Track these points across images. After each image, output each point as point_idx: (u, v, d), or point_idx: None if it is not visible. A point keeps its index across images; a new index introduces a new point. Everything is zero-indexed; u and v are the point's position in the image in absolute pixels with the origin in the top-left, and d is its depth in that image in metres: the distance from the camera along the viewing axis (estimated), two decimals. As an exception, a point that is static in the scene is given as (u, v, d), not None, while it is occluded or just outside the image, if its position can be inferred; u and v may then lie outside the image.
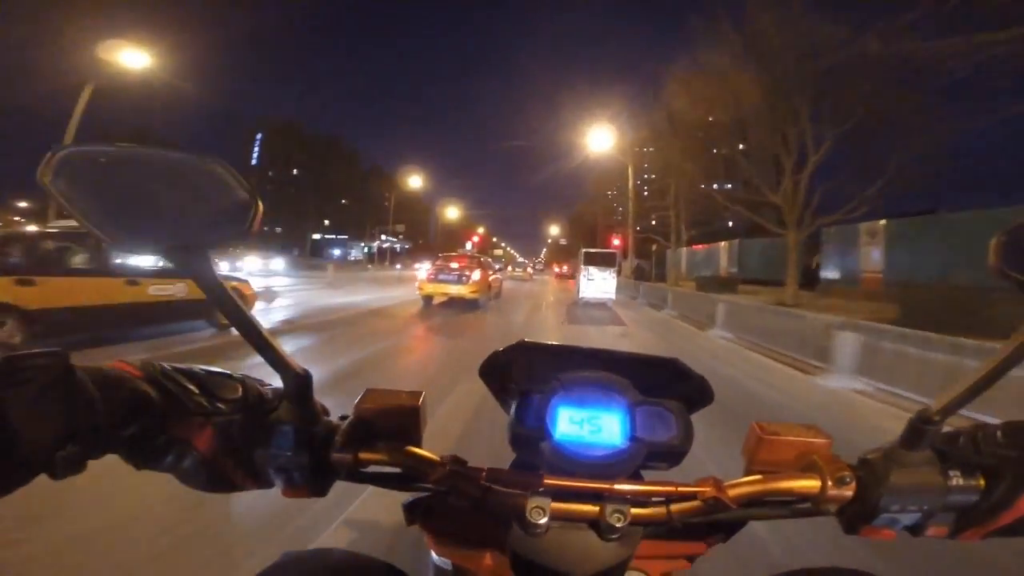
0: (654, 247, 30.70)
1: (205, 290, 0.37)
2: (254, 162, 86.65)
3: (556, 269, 47.73)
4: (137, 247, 0.36)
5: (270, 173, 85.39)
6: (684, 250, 33.62)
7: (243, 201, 0.35)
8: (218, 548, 1.81)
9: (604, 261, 15.41)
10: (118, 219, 0.34)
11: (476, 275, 11.52)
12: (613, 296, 15.36)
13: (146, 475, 0.43)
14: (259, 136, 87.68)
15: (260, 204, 0.35)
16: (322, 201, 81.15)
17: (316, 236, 73.57)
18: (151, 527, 1.90)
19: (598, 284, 15.06)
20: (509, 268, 40.06)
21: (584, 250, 16.12)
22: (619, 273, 18.25)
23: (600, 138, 24.63)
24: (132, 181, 0.34)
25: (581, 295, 15.21)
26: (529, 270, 34.68)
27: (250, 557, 1.75)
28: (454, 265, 12.12)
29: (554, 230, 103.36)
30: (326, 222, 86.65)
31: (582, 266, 15.57)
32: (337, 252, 72.43)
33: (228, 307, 0.39)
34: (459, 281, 11.26)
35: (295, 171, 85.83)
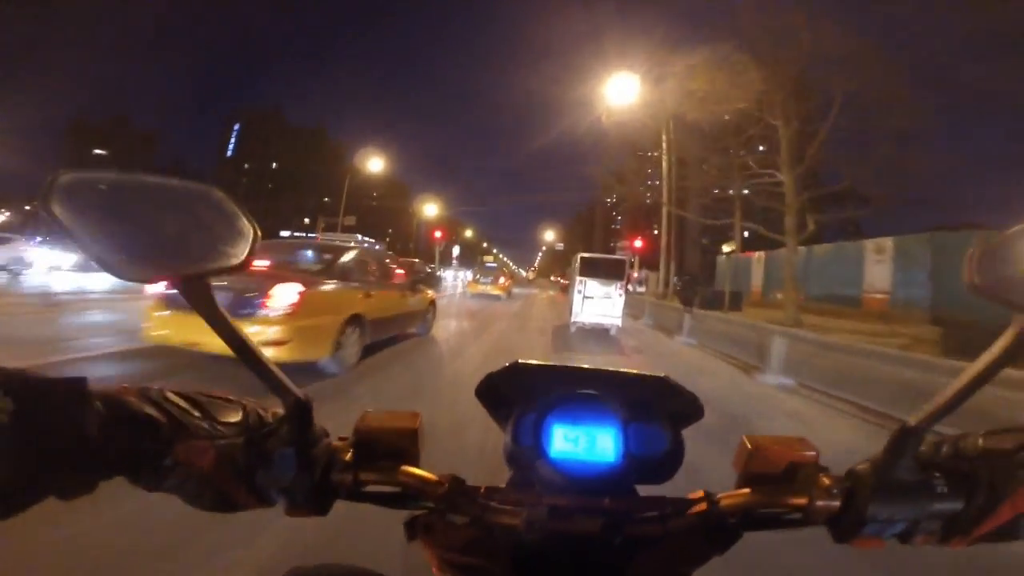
0: (729, 250, 17.43)
1: (206, 319, 0.37)
2: (230, 153, 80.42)
3: (562, 281, 34.13)
4: (137, 275, 0.36)
5: (246, 165, 79.13)
6: (755, 257, 19.95)
7: (242, 230, 0.36)
8: (224, 564, 1.78)
9: (607, 271, 10.87)
10: (118, 247, 0.34)
11: (286, 301, 4.02)
12: (619, 321, 10.63)
13: (146, 492, 0.43)
14: (236, 126, 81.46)
15: (259, 233, 0.36)
16: (303, 197, 75.00)
17: (285, 233, 66.66)
18: (155, 544, 1.85)
19: (598, 303, 10.67)
20: (470, 277, 23.33)
21: (580, 255, 11.46)
22: (643, 286, 11.65)
23: (620, 92, 17.20)
24: (133, 209, 0.35)
25: (574, 318, 10.65)
26: (503, 280, 21.13)
27: (257, 573, 1.73)
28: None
29: (549, 235, 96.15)
30: (306, 220, 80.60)
31: (577, 278, 10.95)
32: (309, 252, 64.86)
33: (228, 334, 0.38)
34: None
35: (274, 164, 79.75)
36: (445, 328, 8.94)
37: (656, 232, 19.21)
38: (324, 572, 0.52)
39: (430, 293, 8.17)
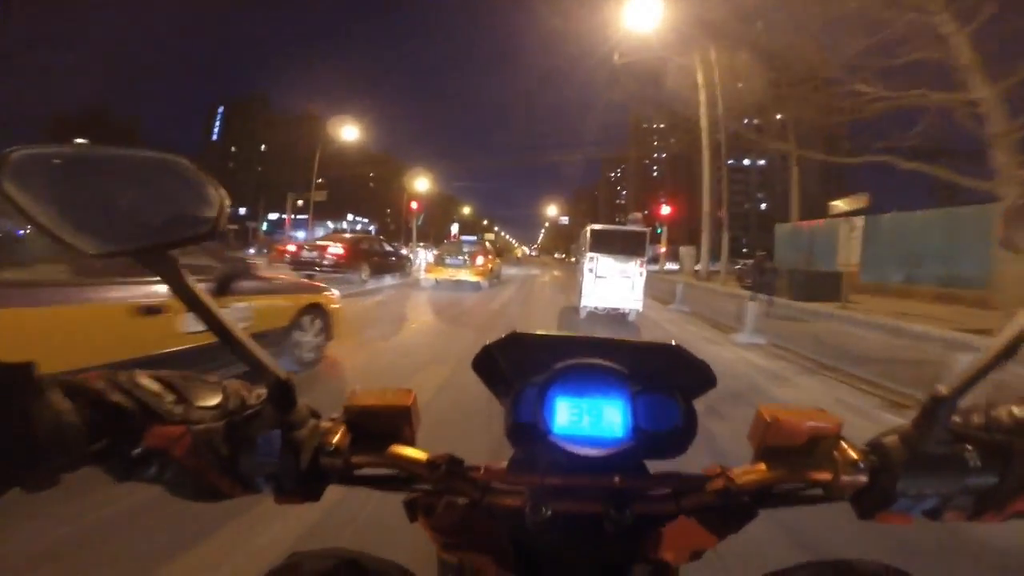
0: (850, 208, 11.87)
1: (175, 292, 0.36)
2: (215, 137, 76.29)
3: (569, 259, 30.23)
4: (96, 249, 0.34)
5: (233, 149, 75.06)
6: (844, 226, 13.60)
7: (209, 198, 0.34)
8: (224, 548, 1.71)
9: (624, 246, 8.94)
10: (76, 222, 0.33)
11: None
12: (639, 305, 8.76)
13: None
14: (221, 110, 77.08)
15: (227, 200, 0.35)
16: (295, 179, 71.32)
17: (272, 215, 63.27)
18: (153, 527, 1.78)
19: (614, 284, 8.75)
20: (422, 257, 16.37)
21: (590, 227, 9.39)
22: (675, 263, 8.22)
23: (638, 18, 13.14)
24: (90, 182, 0.33)
25: (584, 302, 8.85)
26: (483, 261, 13.02)
27: (257, 558, 1.66)
28: None
29: (552, 211, 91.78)
30: (299, 202, 77.28)
31: (587, 254, 9.01)
32: (301, 235, 62.16)
33: (201, 311, 0.37)
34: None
35: (263, 147, 75.76)
36: (358, 351, 5.11)
37: (665, 204, 14.78)
38: (325, 556, 0.49)
39: (324, 295, 4.33)
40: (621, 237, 9.16)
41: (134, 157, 0.33)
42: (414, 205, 24.91)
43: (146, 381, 0.39)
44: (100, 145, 0.33)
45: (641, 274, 8.77)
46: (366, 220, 77.96)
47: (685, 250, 16.02)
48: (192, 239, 0.34)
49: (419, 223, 25.81)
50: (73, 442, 0.33)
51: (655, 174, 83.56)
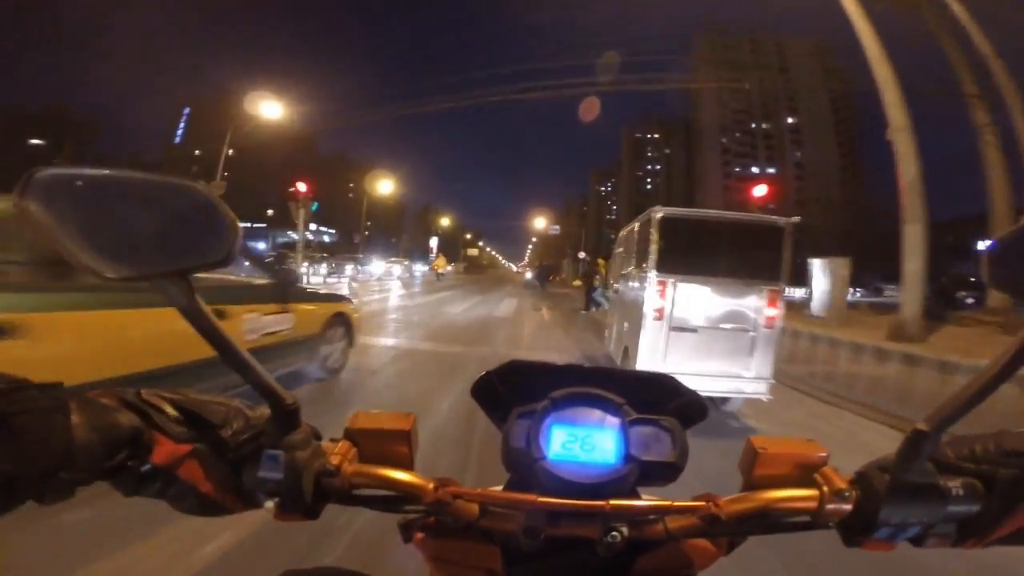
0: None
1: (187, 317, 0.36)
2: (177, 140, 70.21)
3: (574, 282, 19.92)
4: (116, 273, 0.34)
5: (197, 152, 69.03)
6: None
7: (224, 225, 0.34)
8: (217, 567, 1.71)
9: (736, 256, 3.90)
10: (96, 245, 0.33)
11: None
12: (764, 388, 3.90)
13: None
14: (186, 111, 71.13)
15: (239, 228, 0.34)
16: (265, 185, 65.50)
17: (241, 225, 57.37)
18: (146, 545, 1.78)
19: (710, 344, 3.93)
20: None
21: (659, 213, 4.00)
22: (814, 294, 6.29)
23: None
24: (111, 205, 0.33)
25: None
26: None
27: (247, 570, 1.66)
28: None
29: (540, 223, 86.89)
30: (269, 211, 71.43)
31: (648, 274, 3.91)
32: (262, 246, 56.24)
33: (211, 335, 0.37)
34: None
35: (230, 151, 70.17)
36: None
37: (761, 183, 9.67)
38: (318, 575, 0.50)
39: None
40: (729, 237, 4.09)
41: (152, 182, 0.33)
42: (302, 187, 14.79)
43: (155, 400, 0.40)
44: (122, 169, 0.32)
45: (771, 324, 3.98)
46: (333, 231, 72.01)
47: (827, 265, 8.32)
48: (207, 265, 0.34)
49: (303, 209, 13.80)
50: (90, 458, 0.34)
51: (648, 187, 79.64)
